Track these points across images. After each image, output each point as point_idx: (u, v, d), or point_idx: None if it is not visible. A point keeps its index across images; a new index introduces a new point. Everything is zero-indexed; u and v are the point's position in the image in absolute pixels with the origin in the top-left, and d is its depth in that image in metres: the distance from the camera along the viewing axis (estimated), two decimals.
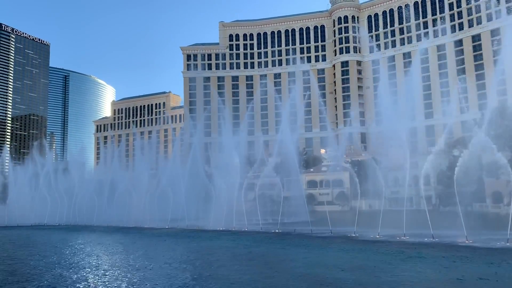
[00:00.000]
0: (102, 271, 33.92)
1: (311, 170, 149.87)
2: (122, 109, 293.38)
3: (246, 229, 72.37)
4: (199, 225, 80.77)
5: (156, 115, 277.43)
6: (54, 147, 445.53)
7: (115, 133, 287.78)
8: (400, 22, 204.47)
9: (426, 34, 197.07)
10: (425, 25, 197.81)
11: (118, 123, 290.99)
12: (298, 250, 44.94)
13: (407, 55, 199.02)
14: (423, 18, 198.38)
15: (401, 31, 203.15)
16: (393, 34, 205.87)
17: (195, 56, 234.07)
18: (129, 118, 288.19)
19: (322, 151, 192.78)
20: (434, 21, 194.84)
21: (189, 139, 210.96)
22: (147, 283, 28.42)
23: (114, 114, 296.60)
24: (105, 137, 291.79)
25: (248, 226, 73.84)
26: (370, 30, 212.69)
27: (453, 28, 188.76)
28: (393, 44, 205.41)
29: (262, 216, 74.31)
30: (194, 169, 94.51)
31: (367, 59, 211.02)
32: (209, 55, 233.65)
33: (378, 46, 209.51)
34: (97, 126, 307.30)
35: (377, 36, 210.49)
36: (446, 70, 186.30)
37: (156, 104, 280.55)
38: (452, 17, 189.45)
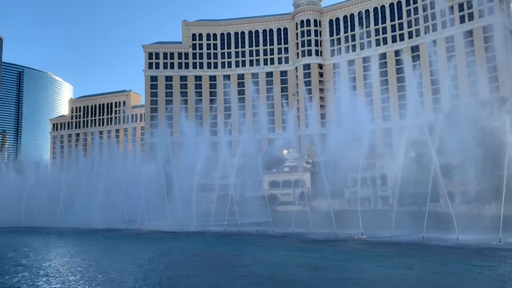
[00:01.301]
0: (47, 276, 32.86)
1: (274, 170, 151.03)
2: (80, 107, 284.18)
3: (210, 229, 72.04)
4: (159, 226, 79.55)
5: (116, 114, 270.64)
6: (6, 145, 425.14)
7: (72, 132, 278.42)
8: (361, 27, 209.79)
9: (385, 39, 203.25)
10: (384, 31, 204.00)
11: (76, 121, 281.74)
12: (260, 251, 45.22)
13: (367, 59, 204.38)
14: (382, 23, 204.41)
15: (361, 35, 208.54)
16: (353, 39, 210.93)
17: (157, 54, 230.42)
18: (87, 117, 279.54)
19: (285, 152, 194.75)
20: (393, 26, 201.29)
21: (150, 138, 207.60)
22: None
23: (72, 113, 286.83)
24: (62, 136, 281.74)
25: (211, 226, 73.53)
26: (331, 34, 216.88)
27: (410, 34, 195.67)
28: (353, 48, 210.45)
29: (223, 217, 74.18)
30: (155, 169, 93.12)
31: (328, 62, 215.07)
32: (172, 54, 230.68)
33: (339, 49, 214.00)
34: (54, 124, 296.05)
35: (338, 40, 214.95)
36: (403, 75, 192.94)
37: (116, 102, 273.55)
38: (409, 24, 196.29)
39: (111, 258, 42.35)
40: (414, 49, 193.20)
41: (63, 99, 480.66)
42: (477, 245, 44.06)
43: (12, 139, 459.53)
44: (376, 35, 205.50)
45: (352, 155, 67.12)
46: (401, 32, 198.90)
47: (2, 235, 78.80)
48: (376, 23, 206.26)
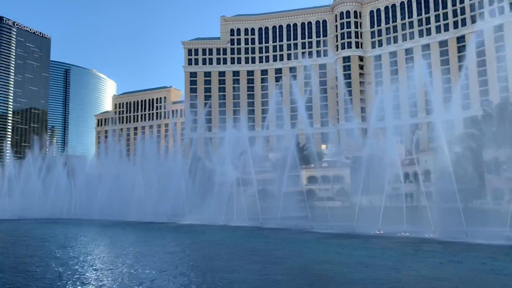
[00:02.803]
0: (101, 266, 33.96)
1: (312, 166, 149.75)
2: (123, 103, 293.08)
3: (246, 224, 72.41)
4: (198, 220, 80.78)
5: (157, 109, 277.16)
6: (55, 141, 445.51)
7: (116, 127, 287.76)
8: (403, 18, 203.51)
9: (428, 29, 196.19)
10: (427, 21, 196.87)
11: (119, 117, 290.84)
12: (299, 246, 44.90)
13: (409, 51, 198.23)
14: (425, 13, 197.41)
15: (403, 26, 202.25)
16: (395, 30, 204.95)
17: (196, 50, 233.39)
18: (130, 113, 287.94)
19: (323, 146, 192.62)
20: (437, 16, 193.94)
21: (190, 133, 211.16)
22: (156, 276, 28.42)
23: (115, 109, 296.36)
24: (106, 131, 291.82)
25: (248, 221, 73.87)
26: (372, 25, 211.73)
27: (455, 24, 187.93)
28: (395, 40, 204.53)
29: (261, 212, 74.31)
30: (194, 163, 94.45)
31: (369, 54, 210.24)
32: (210, 50, 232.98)
33: (380, 41, 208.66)
34: (98, 120, 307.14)
35: (379, 31, 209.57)
36: (448, 66, 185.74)
37: (157, 98, 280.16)
38: (455, 13, 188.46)
39: (152, 250, 43.32)
40: (460, 39, 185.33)
41: (107, 96, 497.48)
42: None
43: (60, 134, 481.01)
44: (419, 26, 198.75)
45: (393, 150, 65.24)
46: (445, 22, 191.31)
47: (56, 225, 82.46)
48: (419, 13, 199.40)
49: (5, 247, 49.60)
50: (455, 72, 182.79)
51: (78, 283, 27.11)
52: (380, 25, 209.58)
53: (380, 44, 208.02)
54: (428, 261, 33.34)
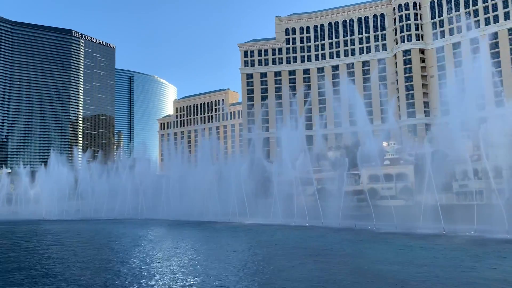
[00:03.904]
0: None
1: (373, 164, 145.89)
2: (183, 107, 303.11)
3: (306, 224, 72.19)
4: (259, 219, 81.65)
5: (215, 112, 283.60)
6: (121, 144, 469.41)
7: (177, 130, 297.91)
8: (466, 6, 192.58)
9: (495, 17, 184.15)
10: (494, 8, 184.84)
11: (180, 120, 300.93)
12: (361, 245, 44.13)
13: (474, 41, 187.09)
14: (491, 0, 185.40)
15: (468, 15, 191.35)
16: (458, 19, 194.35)
17: (252, 52, 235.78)
18: (190, 116, 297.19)
19: (385, 144, 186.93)
20: (504, 2, 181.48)
21: (248, 134, 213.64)
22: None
23: (176, 112, 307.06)
24: (168, 135, 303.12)
25: (309, 220, 73.57)
26: (433, 16, 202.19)
27: None
28: (459, 30, 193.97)
29: (321, 211, 73.71)
30: (254, 164, 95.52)
31: (430, 46, 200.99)
32: (266, 51, 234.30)
33: (443, 32, 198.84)
34: (161, 124, 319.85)
35: (441, 22, 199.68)
36: None
37: (215, 101, 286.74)
38: None
39: (216, 248, 44.49)
40: None
41: (168, 100, 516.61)
42: None
43: (126, 138, 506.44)
44: (485, 13, 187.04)
45: (460, 146, 62.06)
46: None
47: (126, 225, 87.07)
48: (484, 0, 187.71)
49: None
50: None
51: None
52: (442, 16, 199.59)
53: (443, 35, 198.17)
54: (506, 263, 31.53)
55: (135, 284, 27.13)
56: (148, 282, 27.42)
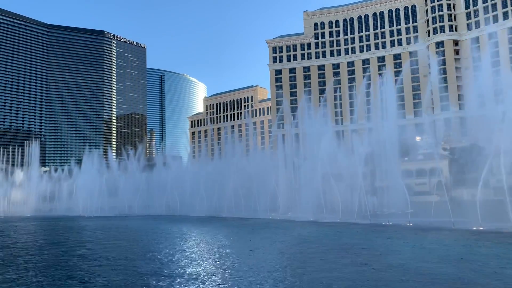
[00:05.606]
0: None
1: (406, 159, 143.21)
2: (213, 104, 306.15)
3: (338, 220, 71.88)
4: (290, 215, 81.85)
5: (244, 108, 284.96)
6: (154, 142, 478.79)
7: (207, 128, 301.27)
8: None
9: None
10: None
11: (210, 118, 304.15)
12: (396, 242, 43.71)
13: (511, 30, 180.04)
14: None
15: (504, 3, 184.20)
16: (494, 8, 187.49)
17: (281, 48, 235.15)
18: (219, 113, 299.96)
19: (418, 138, 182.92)
20: None
21: (277, 131, 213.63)
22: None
23: (206, 110, 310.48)
24: (199, 132, 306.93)
25: (341, 217, 73.19)
26: (467, 6, 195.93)
27: None
28: (495, 19, 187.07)
29: (353, 207, 73.17)
30: (283, 160, 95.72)
31: (464, 37, 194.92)
32: (294, 46, 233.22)
33: (477, 22, 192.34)
34: (191, 121, 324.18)
35: (476, 11, 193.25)
36: None
37: (244, 98, 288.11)
38: None
39: (251, 246, 45.07)
40: None
41: (198, 98, 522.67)
42: None
43: (158, 136, 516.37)
44: None
45: (497, 139, 60.21)
46: None
47: (162, 222, 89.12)
48: None
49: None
50: None
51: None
52: (477, 5, 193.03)
53: (478, 26, 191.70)
54: None
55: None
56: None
